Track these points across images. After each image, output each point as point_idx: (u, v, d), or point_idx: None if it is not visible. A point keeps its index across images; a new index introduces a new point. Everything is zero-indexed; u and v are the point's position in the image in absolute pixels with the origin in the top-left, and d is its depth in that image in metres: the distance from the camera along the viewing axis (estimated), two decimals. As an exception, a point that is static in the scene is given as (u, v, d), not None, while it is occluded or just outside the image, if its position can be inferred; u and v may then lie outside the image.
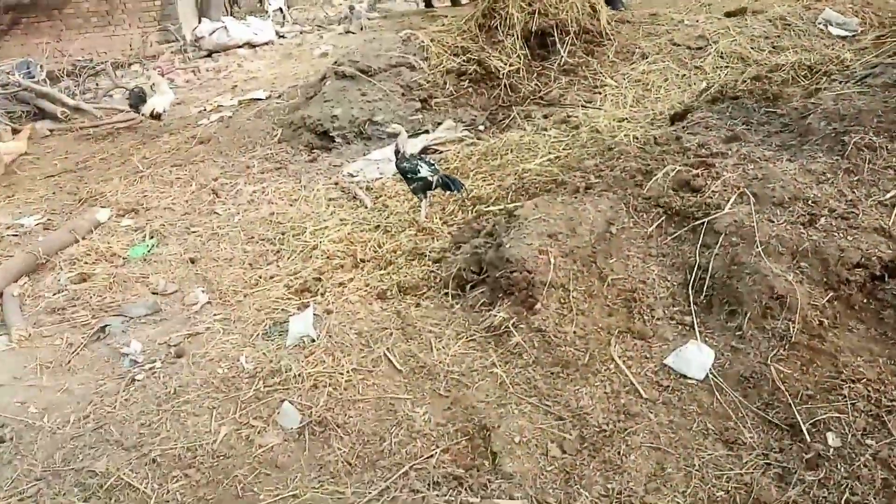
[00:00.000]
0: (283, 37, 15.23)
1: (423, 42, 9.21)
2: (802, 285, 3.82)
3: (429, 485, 3.56)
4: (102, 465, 4.00)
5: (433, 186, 6.08)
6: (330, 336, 4.76)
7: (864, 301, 3.82)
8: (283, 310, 5.34)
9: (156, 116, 9.73)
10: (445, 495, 3.47)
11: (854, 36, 8.98)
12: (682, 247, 4.34)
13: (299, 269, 5.91)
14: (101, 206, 7.64)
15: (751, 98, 5.97)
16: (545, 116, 8.25)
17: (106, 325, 5.36)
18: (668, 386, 3.71)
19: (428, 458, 3.72)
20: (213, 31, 14.09)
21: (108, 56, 14.08)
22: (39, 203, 8.24)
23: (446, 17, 13.18)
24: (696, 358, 3.71)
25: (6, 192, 8.76)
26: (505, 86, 8.77)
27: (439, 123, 8.51)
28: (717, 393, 3.60)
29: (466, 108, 8.69)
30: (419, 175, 6.03)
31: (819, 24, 8.99)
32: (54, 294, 6.07)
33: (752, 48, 8.77)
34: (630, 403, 3.66)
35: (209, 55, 14.19)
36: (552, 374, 3.96)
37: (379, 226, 6.36)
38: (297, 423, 4.11)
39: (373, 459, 3.78)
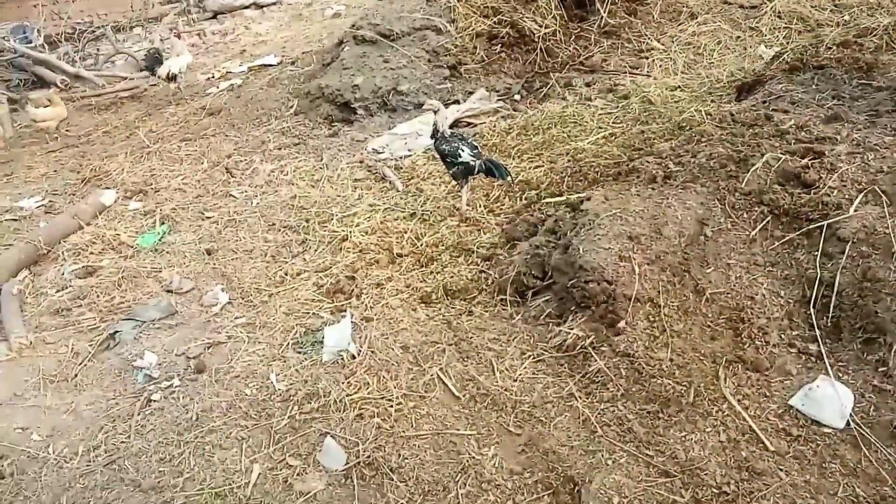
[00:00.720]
0: (291, -5, 14.26)
1: (449, 2, 8.33)
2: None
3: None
4: (117, 514, 3.38)
5: (475, 171, 5.32)
6: (372, 351, 4.08)
7: None
8: (314, 314, 4.66)
9: (172, 78, 8.91)
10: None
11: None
12: (795, 254, 3.62)
13: (328, 263, 5.21)
14: (107, 188, 6.91)
15: (839, 67, 5.18)
16: (588, 85, 7.45)
17: (116, 332, 4.70)
18: (799, 435, 3.03)
19: (503, 516, 3.08)
20: (219, -9, 13.16)
21: (109, 18, 13.15)
22: (40, 183, 7.49)
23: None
24: (831, 400, 3.02)
25: (4, 169, 8.01)
26: (541, 50, 7.93)
27: (470, 93, 7.69)
28: (864, 448, 2.93)
29: (499, 75, 7.86)
30: (460, 159, 5.28)
31: (883, -23, 8.10)
32: (58, 291, 5.38)
33: (812, 7, 7.90)
34: (753, 457, 2.99)
35: (214, 17, 13.25)
36: (649, 413, 3.28)
37: (415, 213, 5.63)
38: (343, 463, 3.46)
39: (436, 515, 3.15)
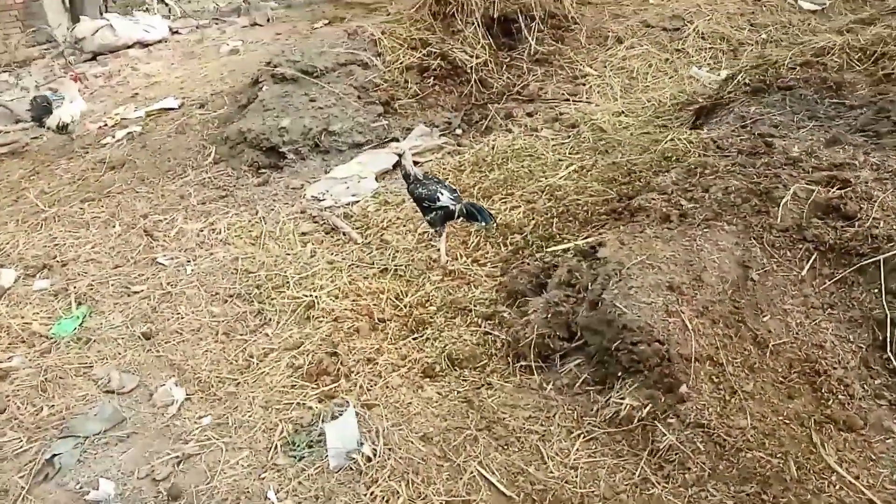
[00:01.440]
0: (176, 32, 13.12)
1: (372, 35, 7.76)
2: None
3: None
4: None
5: (455, 216, 4.76)
6: (391, 449, 3.40)
7: None
8: (299, 404, 3.91)
9: (63, 129, 7.72)
10: None
11: (823, 9, 8.37)
12: (852, 294, 3.30)
13: (299, 338, 4.46)
14: (1, 265, 5.78)
15: (807, 87, 5.03)
16: (529, 115, 7.09)
17: (54, 455, 3.73)
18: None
19: None
20: (97, 31, 11.83)
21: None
22: None
23: (367, 4, 11.72)
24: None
25: None
26: (475, 81, 7.50)
27: (409, 129, 7.14)
28: None
29: (436, 109, 7.36)
30: (439, 203, 4.70)
31: (789, -2, 8.32)
32: (-41, 405, 4.31)
33: (731, 27, 7.95)
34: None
35: (94, 58, 11.92)
36: (749, 496, 2.81)
37: (386, 269, 4.97)
38: None
39: None
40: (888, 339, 3.12)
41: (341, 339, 4.33)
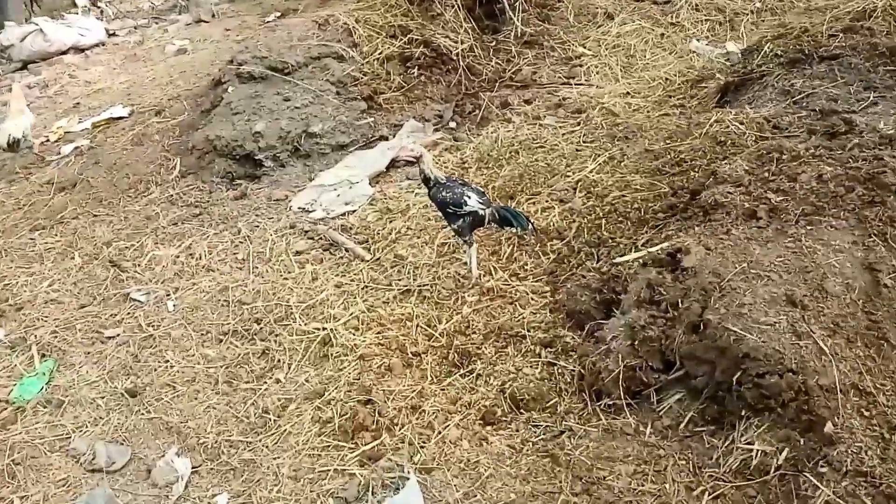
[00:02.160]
0: (114, 34, 11.96)
1: (345, 24, 6.94)
2: None
3: None
4: None
5: (485, 222, 4.07)
6: (471, 528, 2.72)
7: None
8: (338, 471, 3.18)
9: (13, 146, 6.68)
10: None
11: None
12: None
13: (320, 382, 3.72)
14: (-59, 316, 4.85)
15: (856, 55, 4.49)
16: (527, 102, 6.42)
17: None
18: None
19: None
20: (25, 37, 10.61)
21: None
22: None
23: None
24: None
25: None
26: (463, 69, 6.78)
27: (397, 126, 6.38)
28: None
29: (424, 101, 6.61)
30: (466, 208, 4.00)
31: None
32: None
33: (723, -4, 7.42)
34: None
35: (24, 67, 10.71)
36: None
37: (409, 290, 4.25)
38: None
39: None
40: None
41: (372, 381, 3.60)
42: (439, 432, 3.21)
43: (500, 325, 3.74)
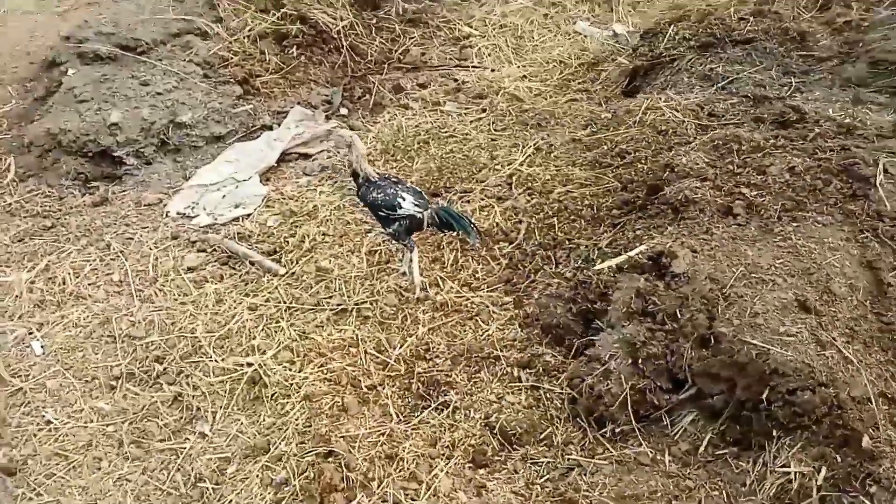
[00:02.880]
0: None
1: (206, -6, 6.03)
2: None
3: None
4: None
5: (424, 226, 3.61)
6: None
7: None
8: (311, 547, 2.62)
9: None
10: None
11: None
12: None
13: (259, 432, 3.10)
14: None
15: (769, 39, 4.52)
16: (422, 86, 5.97)
17: None
18: None
19: None
20: None
21: None
22: None
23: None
24: None
25: None
26: (347, 49, 6.15)
27: (281, 113, 5.65)
28: None
29: (308, 85, 5.92)
30: (400, 211, 3.51)
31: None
32: None
33: (600, -24, 7.36)
34: None
35: None
36: None
37: (345, 309, 3.67)
38: None
39: None
40: None
41: (327, 426, 3.04)
42: (427, 484, 2.75)
43: (465, 345, 3.31)
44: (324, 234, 4.24)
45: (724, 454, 2.64)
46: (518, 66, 6.13)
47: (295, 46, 6.01)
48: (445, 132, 5.15)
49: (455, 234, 3.72)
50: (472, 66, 6.16)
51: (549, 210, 3.89)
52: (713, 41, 4.74)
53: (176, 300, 3.96)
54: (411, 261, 3.67)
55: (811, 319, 2.64)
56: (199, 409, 3.29)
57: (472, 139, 4.97)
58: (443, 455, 2.88)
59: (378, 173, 3.66)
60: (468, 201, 4.17)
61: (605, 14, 6.98)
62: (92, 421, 3.29)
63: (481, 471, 2.81)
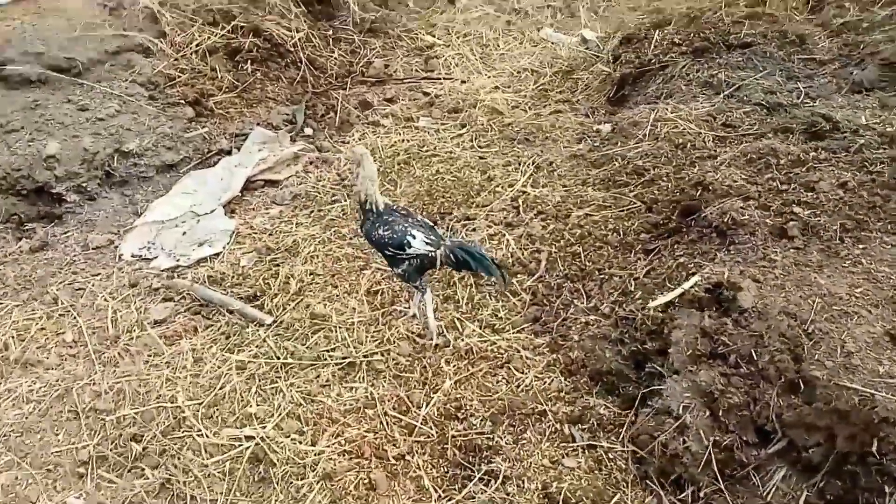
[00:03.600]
0: None
1: (147, 7, 5.39)
2: None
3: None
4: None
5: (436, 265, 3.15)
6: None
7: None
8: None
9: None
10: None
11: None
12: None
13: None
14: None
15: (768, 43, 4.31)
16: (389, 101, 5.52)
17: None
18: None
19: None
20: None
21: None
22: None
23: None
24: None
25: None
26: (305, 63, 5.64)
27: (240, 136, 5.09)
28: None
29: (267, 104, 5.37)
30: (411, 250, 3.05)
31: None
32: None
33: (559, -18, 7.10)
34: None
35: None
36: None
37: (353, 363, 3.19)
38: None
39: None
40: None
41: (357, 509, 2.56)
42: (491, 576, 2.32)
43: (503, 399, 2.89)
44: (311, 274, 3.75)
45: (830, 518, 2.33)
46: (488, 77, 5.76)
47: (249, 62, 5.46)
48: (427, 151, 4.74)
49: (475, 273, 3.25)
50: (442, 78, 5.76)
51: (569, 236, 3.51)
52: (707, 46, 4.51)
53: (146, 362, 3.38)
54: (425, 304, 3.22)
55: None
56: (193, 497, 2.75)
57: (458, 158, 4.57)
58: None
59: (386, 203, 3.18)
60: (473, 229, 3.75)
61: (566, 20, 6.72)
62: (66, 519, 2.70)
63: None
